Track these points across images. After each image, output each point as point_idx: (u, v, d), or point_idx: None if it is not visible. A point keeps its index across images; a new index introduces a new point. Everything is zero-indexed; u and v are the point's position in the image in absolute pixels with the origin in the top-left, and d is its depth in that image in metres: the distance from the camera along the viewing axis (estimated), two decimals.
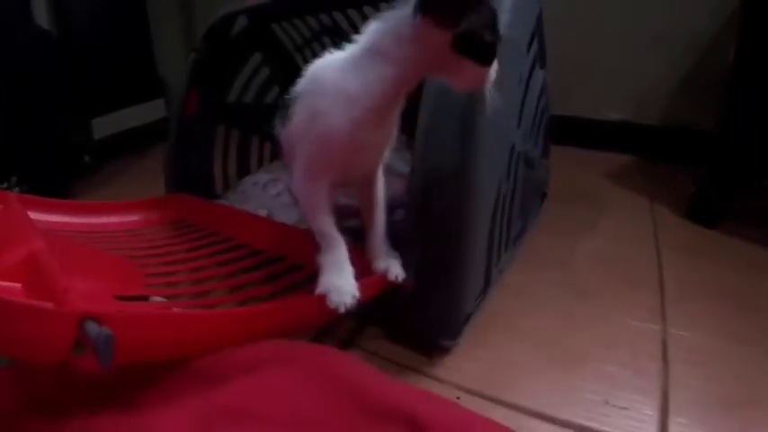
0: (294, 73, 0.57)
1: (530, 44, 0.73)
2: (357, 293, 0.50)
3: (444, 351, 0.65)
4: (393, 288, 0.60)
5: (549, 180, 1.11)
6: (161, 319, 0.42)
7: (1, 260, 0.53)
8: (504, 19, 0.58)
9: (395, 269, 0.59)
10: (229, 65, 1.06)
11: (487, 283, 0.72)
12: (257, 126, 1.13)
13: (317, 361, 0.41)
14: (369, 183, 0.59)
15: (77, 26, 1.70)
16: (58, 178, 1.51)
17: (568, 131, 1.37)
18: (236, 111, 1.09)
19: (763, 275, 0.82)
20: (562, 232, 0.98)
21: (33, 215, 0.72)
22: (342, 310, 0.49)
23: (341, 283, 0.51)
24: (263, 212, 0.89)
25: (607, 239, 0.96)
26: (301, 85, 0.54)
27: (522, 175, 0.81)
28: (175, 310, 0.55)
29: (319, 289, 0.51)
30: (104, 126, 1.68)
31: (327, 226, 0.54)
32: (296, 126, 0.54)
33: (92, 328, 0.33)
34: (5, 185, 1.41)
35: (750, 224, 0.98)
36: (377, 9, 0.84)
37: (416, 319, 0.63)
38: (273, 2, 0.94)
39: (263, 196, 0.97)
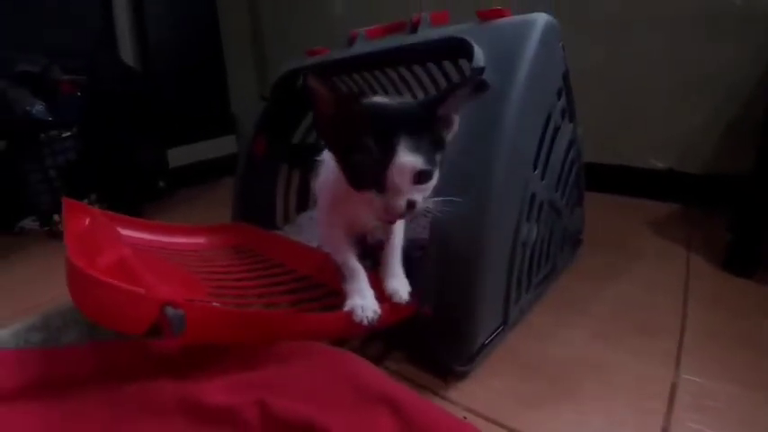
0: None
1: (557, 99, 0.83)
2: (378, 310, 0.62)
3: (459, 376, 0.73)
4: (415, 315, 0.70)
5: (584, 227, 1.17)
6: (218, 312, 0.56)
7: (97, 261, 0.69)
8: (519, 81, 0.69)
9: (400, 293, 0.68)
10: (294, 112, 1.22)
11: (506, 320, 0.80)
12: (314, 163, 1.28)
13: (330, 357, 0.54)
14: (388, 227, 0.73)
15: (159, 65, 1.97)
16: (134, 199, 1.74)
17: (612, 179, 1.43)
18: (298, 152, 1.25)
19: None
20: (592, 278, 1.04)
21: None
22: (365, 322, 0.62)
23: (363, 302, 0.63)
24: (313, 244, 1.02)
25: (636, 287, 1.00)
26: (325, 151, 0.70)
27: (548, 221, 0.90)
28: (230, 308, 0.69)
29: (346, 308, 0.63)
30: (179, 156, 1.92)
31: (348, 259, 0.69)
32: (318, 183, 0.73)
33: (169, 310, 0.46)
34: (86, 201, 1.66)
35: None
36: (424, 67, 0.99)
37: (433, 344, 0.72)
38: (332, 60, 1.10)
39: (315, 230, 1.10)
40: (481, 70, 0.71)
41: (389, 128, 0.56)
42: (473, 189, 0.68)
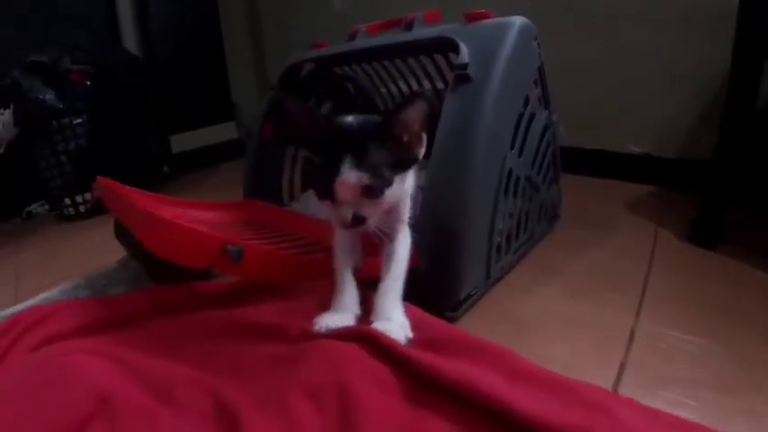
0: (351, 106, 0.91)
1: (533, 89, 1.04)
2: (344, 324, 0.72)
3: (449, 320, 0.93)
4: (414, 270, 0.90)
5: (560, 203, 1.38)
6: (266, 251, 0.77)
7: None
8: (496, 75, 0.90)
9: (392, 334, 0.68)
10: (299, 99, 1.43)
11: (488, 275, 1.02)
12: None
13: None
14: (390, 240, 0.82)
15: (161, 53, 2.17)
16: (141, 183, 1.94)
17: (592, 163, 1.65)
18: None
19: (745, 289, 1.03)
20: (567, 247, 1.26)
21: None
22: (322, 331, 0.71)
23: (329, 320, 0.73)
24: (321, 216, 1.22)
25: (606, 254, 1.22)
26: None
27: (526, 195, 1.11)
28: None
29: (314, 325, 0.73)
30: (182, 142, 2.12)
31: (339, 270, 0.80)
32: None
33: (229, 246, 0.67)
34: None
35: (748, 248, 1.19)
36: (417, 60, 1.20)
37: (428, 294, 0.91)
38: (336, 53, 1.30)
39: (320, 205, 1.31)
40: (465, 66, 0.92)
41: (339, 145, 0.67)
42: (458, 165, 0.89)
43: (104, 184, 1.14)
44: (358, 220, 0.68)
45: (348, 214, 0.68)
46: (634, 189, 1.62)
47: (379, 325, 0.69)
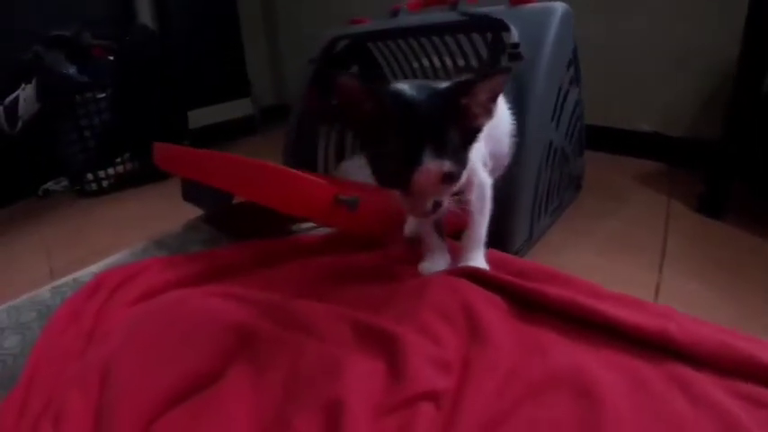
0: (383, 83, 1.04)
1: (567, 69, 1.20)
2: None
3: None
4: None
5: (584, 175, 1.56)
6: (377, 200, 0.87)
7: None
8: (545, 55, 1.06)
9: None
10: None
11: (531, 234, 1.18)
12: None
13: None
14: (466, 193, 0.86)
15: (177, 29, 2.26)
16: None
17: (605, 140, 1.82)
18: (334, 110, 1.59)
19: (751, 253, 1.21)
20: (590, 215, 1.43)
21: None
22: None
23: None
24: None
25: (625, 222, 1.40)
26: None
27: (559, 164, 1.28)
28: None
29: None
30: (199, 117, 2.23)
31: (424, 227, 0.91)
32: None
33: (343, 197, 0.81)
34: (120, 160, 1.96)
35: (752, 219, 1.37)
36: (454, 38, 1.34)
37: (497, 235, 1.06)
38: (369, 30, 1.44)
39: (359, 173, 1.44)
40: (517, 45, 1.08)
41: (416, 131, 0.64)
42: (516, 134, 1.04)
43: (168, 147, 1.25)
44: (436, 206, 0.68)
45: (428, 203, 0.66)
46: (643, 165, 1.81)
47: (473, 264, 0.84)
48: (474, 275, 0.76)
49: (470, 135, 0.70)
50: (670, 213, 1.45)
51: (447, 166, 0.64)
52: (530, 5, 1.16)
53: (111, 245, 1.52)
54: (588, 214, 1.44)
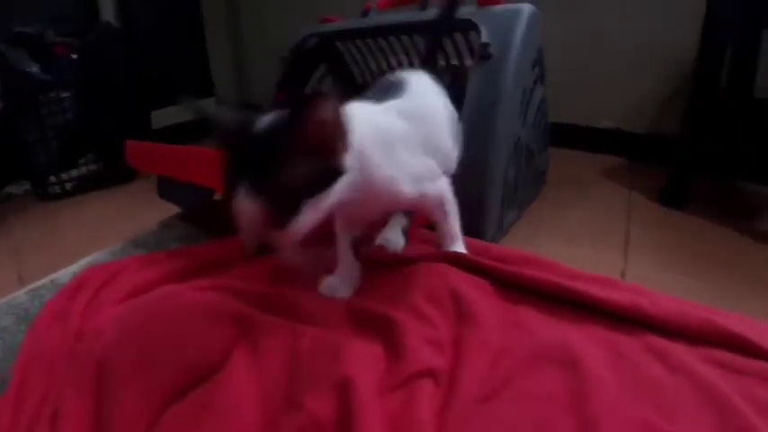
0: (350, 81, 1.07)
1: (533, 68, 1.26)
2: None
3: None
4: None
5: (548, 170, 1.63)
6: None
7: None
8: (513, 55, 1.12)
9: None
10: (306, 71, 1.59)
11: (500, 227, 1.23)
12: None
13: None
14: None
15: (140, 27, 2.24)
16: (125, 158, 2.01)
17: (568, 136, 1.91)
18: None
19: (710, 239, 1.31)
20: (555, 206, 1.51)
21: None
22: None
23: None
24: None
25: (589, 212, 1.48)
26: None
27: (525, 159, 1.34)
28: None
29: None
30: (162, 118, 2.21)
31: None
32: None
33: None
34: (83, 161, 1.93)
35: (709, 208, 1.47)
36: (422, 37, 1.39)
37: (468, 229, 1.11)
38: (338, 29, 1.48)
39: None
40: (487, 45, 1.13)
41: (237, 159, 0.59)
42: (483, 132, 1.10)
43: (141, 145, 1.25)
44: (265, 250, 0.64)
45: (250, 241, 0.61)
46: (605, 159, 1.90)
47: (454, 249, 0.88)
48: (458, 261, 0.80)
49: (324, 177, 0.60)
50: (632, 205, 1.54)
51: (263, 207, 0.56)
52: (498, 6, 1.22)
53: (81, 248, 1.50)
54: (553, 207, 1.51)
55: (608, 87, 1.93)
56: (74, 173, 1.94)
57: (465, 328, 0.65)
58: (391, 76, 0.91)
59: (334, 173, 0.61)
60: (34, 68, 1.82)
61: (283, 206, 0.57)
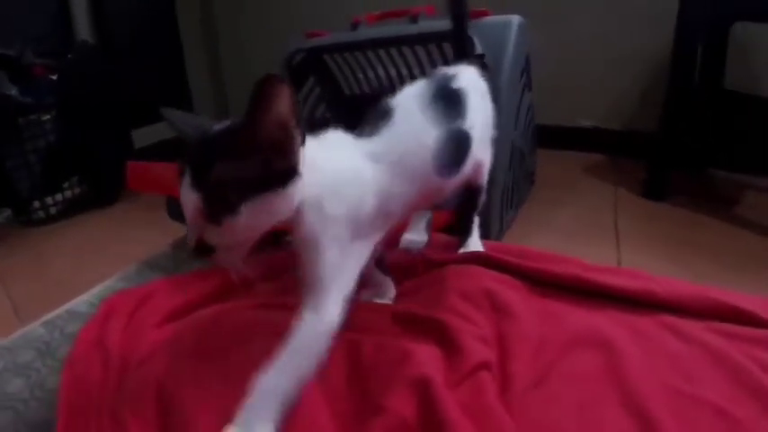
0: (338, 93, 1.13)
1: (522, 76, 1.36)
2: None
3: None
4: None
5: (536, 171, 1.73)
6: None
7: None
8: (506, 65, 1.21)
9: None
10: (294, 87, 1.64)
11: (501, 227, 1.32)
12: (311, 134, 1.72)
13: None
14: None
15: (117, 44, 2.25)
16: (108, 181, 2.02)
17: (551, 137, 2.03)
18: None
19: (694, 228, 1.44)
20: (546, 204, 1.61)
21: None
22: None
23: None
24: None
25: (579, 208, 1.59)
26: None
27: (519, 162, 1.43)
28: None
29: None
30: (143, 137, 2.23)
31: None
32: None
33: None
34: (67, 184, 1.94)
35: (690, 200, 1.60)
36: (411, 49, 1.47)
37: None
38: (326, 43, 1.55)
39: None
40: (482, 56, 1.21)
41: (188, 155, 0.58)
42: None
43: (143, 166, 1.27)
44: (203, 249, 0.58)
45: (191, 237, 0.58)
46: (588, 157, 2.03)
47: (474, 249, 0.94)
48: (484, 261, 0.87)
49: (273, 177, 0.58)
50: (618, 199, 1.65)
51: (199, 200, 0.56)
52: (488, 18, 1.30)
53: (73, 275, 1.52)
54: (544, 205, 1.61)
55: (586, 89, 2.06)
56: (58, 197, 1.93)
57: (504, 324, 0.72)
58: (387, 99, 0.78)
59: (284, 174, 0.59)
60: (13, 91, 1.82)
61: (215, 200, 0.56)
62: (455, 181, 0.81)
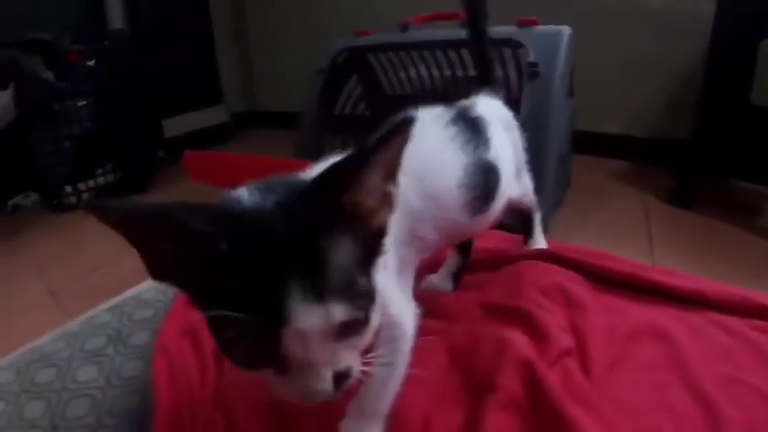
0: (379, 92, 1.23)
1: (569, 84, 1.47)
2: None
3: None
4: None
5: (572, 174, 1.85)
6: None
7: None
8: (558, 74, 1.31)
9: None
10: (337, 85, 1.75)
11: (546, 229, 1.42)
12: (352, 131, 1.82)
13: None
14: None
15: (149, 34, 2.34)
16: (142, 169, 2.12)
17: (578, 142, 2.14)
18: (339, 121, 1.78)
19: (720, 236, 1.55)
20: (579, 208, 1.72)
21: None
22: None
23: None
24: None
25: (609, 213, 1.70)
26: None
27: (561, 166, 1.54)
28: None
29: None
30: (172, 127, 2.32)
31: None
32: None
33: None
34: (101, 171, 2.02)
35: (716, 208, 1.71)
36: (457, 52, 1.57)
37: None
38: (369, 43, 1.65)
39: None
40: (535, 64, 1.32)
41: (266, 259, 0.39)
42: (537, 146, 1.28)
43: (201, 156, 1.37)
44: (342, 378, 0.42)
45: (322, 379, 0.41)
46: (614, 163, 2.14)
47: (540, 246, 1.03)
48: (551, 257, 0.98)
49: (371, 246, 0.46)
50: (647, 206, 1.77)
51: (339, 313, 0.39)
52: (539, 27, 1.41)
53: (110, 261, 1.60)
54: (577, 210, 1.72)
55: (614, 96, 2.19)
56: (91, 183, 2.02)
57: (577, 317, 0.82)
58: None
59: (381, 234, 0.47)
60: (49, 75, 1.90)
61: (361, 294, 0.43)
62: (487, 216, 0.77)
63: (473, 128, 0.73)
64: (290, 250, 0.39)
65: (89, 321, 1.03)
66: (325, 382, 0.41)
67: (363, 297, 0.42)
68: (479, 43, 0.98)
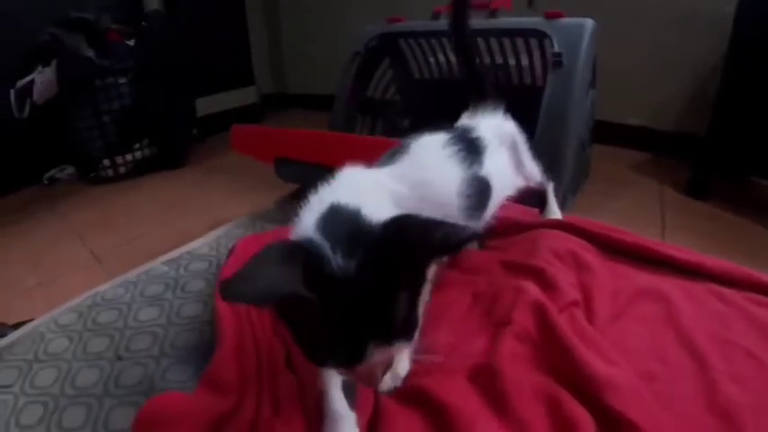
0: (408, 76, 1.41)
1: (591, 74, 1.62)
2: None
3: None
4: None
5: (591, 162, 2.00)
6: None
7: None
8: (580, 64, 1.46)
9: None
10: (370, 69, 1.91)
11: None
12: (382, 114, 1.99)
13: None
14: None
15: (184, 13, 2.51)
16: (177, 145, 2.31)
17: (598, 132, 2.29)
18: (370, 104, 1.94)
19: (733, 227, 1.69)
20: (597, 196, 1.87)
21: None
22: None
23: None
24: None
25: (628, 202, 1.85)
26: None
27: (581, 154, 1.69)
28: None
29: None
30: (205, 106, 2.50)
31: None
32: None
33: None
34: (138, 146, 2.21)
35: (731, 200, 1.86)
36: (485, 40, 1.73)
37: None
38: (406, 29, 1.83)
39: None
40: (560, 54, 1.47)
41: (353, 324, 0.53)
42: (558, 130, 1.44)
43: (248, 129, 1.53)
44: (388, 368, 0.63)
45: (379, 383, 0.60)
46: (632, 154, 2.30)
47: (555, 216, 1.21)
48: (564, 226, 1.14)
49: (421, 284, 0.60)
50: (663, 196, 1.91)
51: (400, 346, 0.57)
52: (564, 19, 1.57)
53: (150, 229, 1.79)
54: (595, 197, 1.88)
55: (635, 88, 2.35)
56: (128, 157, 2.21)
57: (585, 277, 0.98)
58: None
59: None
60: (91, 53, 2.08)
61: (411, 325, 0.58)
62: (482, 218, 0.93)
63: (470, 148, 0.90)
64: (371, 312, 0.53)
65: (147, 272, 1.21)
66: (382, 383, 0.64)
67: (414, 327, 0.59)
68: (466, 57, 1.18)
